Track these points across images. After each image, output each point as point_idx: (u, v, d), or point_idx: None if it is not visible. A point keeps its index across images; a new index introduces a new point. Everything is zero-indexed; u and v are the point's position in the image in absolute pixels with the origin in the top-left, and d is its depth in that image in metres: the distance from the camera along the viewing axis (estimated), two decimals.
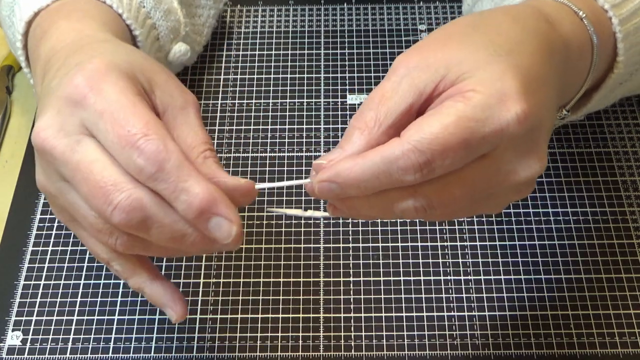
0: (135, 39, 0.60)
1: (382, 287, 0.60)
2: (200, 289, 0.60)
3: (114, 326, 0.59)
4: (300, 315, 0.59)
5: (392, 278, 0.61)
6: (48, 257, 0.62)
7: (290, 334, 0.58)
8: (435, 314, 0.59)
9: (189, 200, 0.41)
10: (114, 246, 0.45)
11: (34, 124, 0.71)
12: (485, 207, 0.46)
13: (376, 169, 0.41)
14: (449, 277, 0.61)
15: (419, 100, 0.43)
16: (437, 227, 0.63)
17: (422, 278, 0.61)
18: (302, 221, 0.63)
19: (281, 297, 0.60)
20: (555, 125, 0.55)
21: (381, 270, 0.61)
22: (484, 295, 0.60)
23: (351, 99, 0.73)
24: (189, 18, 0.69)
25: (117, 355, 0.57)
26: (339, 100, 0.73)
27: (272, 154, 0.69)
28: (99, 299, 0.60)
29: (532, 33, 0.46)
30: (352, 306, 0.59)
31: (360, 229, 0.63)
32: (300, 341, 0.58)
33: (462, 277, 0.61)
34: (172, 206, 0.42)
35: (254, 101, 0.73)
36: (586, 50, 0.51)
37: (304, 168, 0.67)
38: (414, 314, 0.59)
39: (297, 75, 0.75)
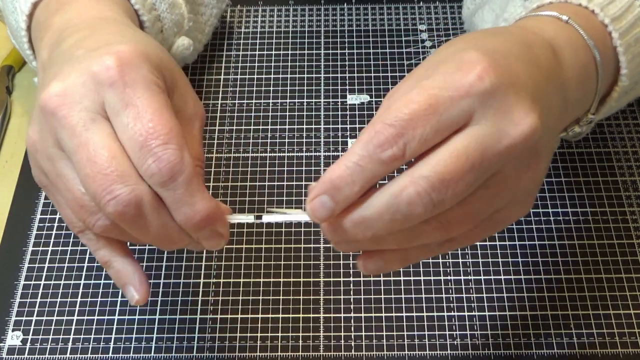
0: (142, 28, 0.60)
1: (382, 287, 0.60)
2: (200, 289, 0.60)
3: (114, 326, 0.59)
4: (300, 315, 0.59)
5: (392, 278, 0.61)
6: (48, 257, 0.62)
7: (290, 334, 0.58)
8: (435, 314, 0.59)
9: (191, 214, 0.43)
10: (91, 225, 0.45)
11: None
12: (488, 169, 0.43)
13: (356, 157, 0.41)
14: (449, 277, 0.61)
15: None
16: None
17: (422, 278, 0.61)
18: (302, 221, 0.63)
19: (281, 297, 0.60)
20: (583, 133, 0.55)
21: None
22: (484, 295, 0.60)
23: (351, 99, 0.73)
24: (192, 15, 0.70)
25: (117, 355, 0.57)
26: (339, 100, 0.73)
27: (272, 154, 0.69)
28: (99, 299, 0.60)
29: (509, 35, 0.47)
30: (352, 306, 0.59)
31: None
32: (300, 341, 0.58)
33: (462, 277, 0.61)
34: (172, 212, 0.43)
35: (254, 101, 0.73)
36: (581, 50, 0.51)
37: (304, 168, 0.67)
38: (414, 314, 0.59)
39: (297, 75, 0.75)
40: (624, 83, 0.54)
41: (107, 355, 0.57)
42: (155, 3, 0.62)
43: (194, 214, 0.43)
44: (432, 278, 0.61)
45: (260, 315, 0.59)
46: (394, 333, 0.58)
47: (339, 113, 0.72)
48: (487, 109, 0.41)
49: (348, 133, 0.70)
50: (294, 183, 0.66)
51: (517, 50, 0.45)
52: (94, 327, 0.59)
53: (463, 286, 0.60)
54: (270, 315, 0.59)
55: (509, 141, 0.41)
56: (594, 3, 0.53)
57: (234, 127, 0.71)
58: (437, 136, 0.41)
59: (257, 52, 0.77)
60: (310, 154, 0.69)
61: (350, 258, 0.62)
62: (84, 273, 0.61)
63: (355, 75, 0.75)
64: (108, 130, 0.43)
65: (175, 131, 0.43)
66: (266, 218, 0.47)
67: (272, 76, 0.75)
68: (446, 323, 0.58)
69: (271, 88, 0.74)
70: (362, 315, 0.59)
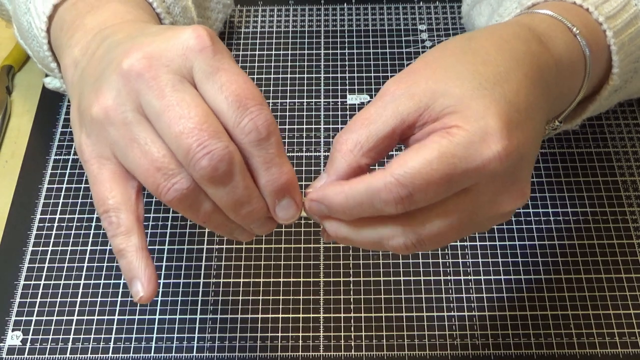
0: None
1: (382, 287, 0.60)
2: (200, 289, 0.61)
3: (114, 326, 0.59)
4: (300, 315, 0.59)
5: (392, 278, 0.61)
6: (48, 257, 0.62)
7: (290, 334, 0.58)
8: (435, 314, 0.59)
9: (279, 174, 0.44)
10: (165, 191, 0.44)
11: (34, 123, 0.72)
12: (471, 232, 0.48)
13: (359, 198, 0.43)
14: (449, 277, 0.61)
15: (401, 126, 0.44)
16: None
17: (422, 278, 0.61)
18: (302, 221, 0.63)
19: (281, 297, 0.60)
20: (549, 136, 0.56)
21: (381, 270, 0.61)
22: (484, 295, 0.60)
23: (351, 99, 0.73)
24: (200, 19, 0.70)
25: (117, 355, 0.57)
26: (339, 100, 0.73)
27: None
28: (99, 299, 0.60)
29: (521, 58, 0.47)
30: (352, 306, 0.59)
31: None
32: (300, 341, 0.58)
33: (462, 277, 0.61)
34: (258, 173, 0.44)
35: None
36: (579, 65, 0.51)
37: (303, 168, 0.68)
38: (414, 314, 0.59)
39: (297, 75, 0.75)
40: (615, 82, 0.55)
41: (107, 355, 0.57)
42: (169, 7, 0.62)
43: (281, 175, 0.44)
44: (432, 278, 0.61)
45: (260, 315, 0.59)
46: (394, 333, 0.58)
47: (339, 113, 0.72)
48: (492, 182, 0.43)
49: None
50: None
51: (526, 85, 0.45)
52: (94, 327, 0.59)
53: (463, 286, 0.60)
54: (270, 315, 0.59)
55: (496, 211, 0.45)
56: (588, 2, 0.53)
57: None
58: (441, 197, 0.43)
59: (257, 52, 0.77)
60: (310, 154, 0.69)
61: (351, 258, 0.62)
62: (84, 273, 0.62)
63: (355, 75, 0.75)
64: (196, 92, 0.44)
65: (264, 98, 0.44)
66: None
67: (272, 76, 0.75)
68: (446, 323, 0.58)
69: (271, 88, 0.74)
70: (362, 315, 0.59)
